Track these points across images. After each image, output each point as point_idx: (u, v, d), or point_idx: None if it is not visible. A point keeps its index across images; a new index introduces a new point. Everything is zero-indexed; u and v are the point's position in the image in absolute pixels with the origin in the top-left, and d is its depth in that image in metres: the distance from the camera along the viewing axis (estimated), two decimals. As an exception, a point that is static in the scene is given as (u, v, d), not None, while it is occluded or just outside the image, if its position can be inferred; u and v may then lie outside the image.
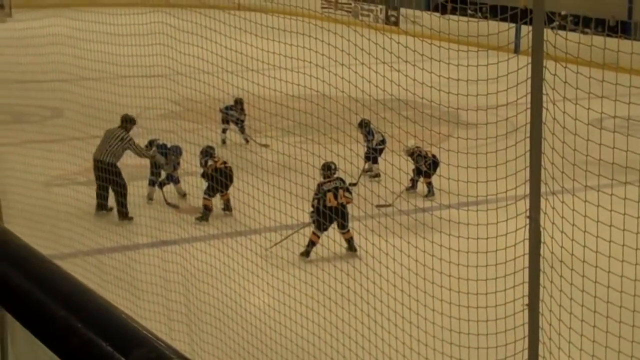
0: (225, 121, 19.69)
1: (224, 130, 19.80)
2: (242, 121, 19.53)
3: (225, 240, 12.09)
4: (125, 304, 11.21)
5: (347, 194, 12.65)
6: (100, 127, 15.19)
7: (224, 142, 19.36)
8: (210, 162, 14.67)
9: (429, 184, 14.69)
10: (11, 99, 19.95)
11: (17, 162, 15.90)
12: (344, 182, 13.09)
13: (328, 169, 12.99)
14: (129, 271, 12.22)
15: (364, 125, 15.94)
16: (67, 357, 1.68)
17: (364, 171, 16.37)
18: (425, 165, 14.11)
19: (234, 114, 19.49)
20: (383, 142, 16.07)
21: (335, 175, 13.10)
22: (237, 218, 11.57)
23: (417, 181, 14.90)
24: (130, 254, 12.75)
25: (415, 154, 14.40)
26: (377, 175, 16.15)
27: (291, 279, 10.58)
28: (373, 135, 16.24)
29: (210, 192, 14.53)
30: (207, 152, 14.80)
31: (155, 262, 12.39)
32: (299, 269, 10.57)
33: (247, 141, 19.24)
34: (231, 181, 14.03)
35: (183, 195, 15.60)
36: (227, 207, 14.61)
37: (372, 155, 16.03)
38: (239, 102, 19.04)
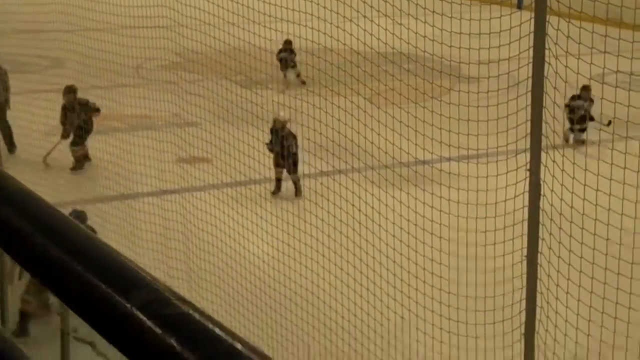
0: (284, 67, 19.76)
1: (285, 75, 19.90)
2: (294, 61, 19.55)
3: (225, 190, 12.11)
4: (125, 251, 11.15)
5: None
6: (102, 78, 15.15)
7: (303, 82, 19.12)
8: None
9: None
10: (12, 49, 19.86)
11: (18, 111, 15.88)
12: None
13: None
14: (130, 220, 12.27)
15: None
16: (68, 300, 1.70)
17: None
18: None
19: (285, 56, 19.55)
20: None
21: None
22: (236, 168, 11.57)
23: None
24: (130, 203, 12.80)
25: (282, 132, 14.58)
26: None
27: (291, 229, 10.62)
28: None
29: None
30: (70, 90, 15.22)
31: (155, 211, 12.43)
32: (299, 218, 10.60)
33: (303, 83, 18.77)
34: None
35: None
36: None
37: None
38: (288, 43, 19.06)
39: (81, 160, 15.43)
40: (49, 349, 8.02)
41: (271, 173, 11.50)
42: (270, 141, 13.92)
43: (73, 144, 15.50)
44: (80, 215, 10.82)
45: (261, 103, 12.67)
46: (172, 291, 1.53)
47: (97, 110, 15.55)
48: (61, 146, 15.44)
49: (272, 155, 13.87)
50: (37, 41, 19.25)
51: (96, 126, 15.73)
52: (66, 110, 15.56)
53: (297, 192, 13.96)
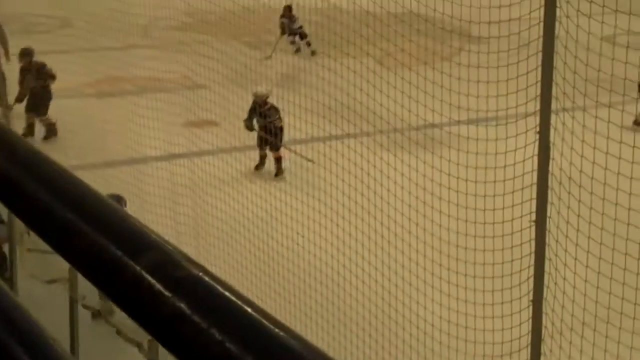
0: (283, 32, 19.51)
1: (291, 42, 19.59)
2: (301, 27, 19.13)
3: (233, 154, 12.10)
4: (134, 215, 11.24)
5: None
6: (111, 37, 15.09)
7: (297, 50, 19.20)
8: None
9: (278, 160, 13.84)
10: (20, 8, 19.78)
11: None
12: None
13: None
14: (137, 184, 12.26)
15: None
16: (76, 261, 1.67)
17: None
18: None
19: (284, 21, 19.28)
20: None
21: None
22: (245, 132, 11.55)
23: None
24: (139, 167, 12.78)
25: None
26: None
27: (298, 193, 10.60)
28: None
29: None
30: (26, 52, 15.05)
31: (163, 175, 12.42)
32: (307, 183, 10.58)
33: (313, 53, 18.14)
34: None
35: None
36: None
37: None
38: (287, 10, 18.84)
39: (52, 129, 15.30)
40: (58, 316, 8.02)
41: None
42: (250, 118, 13.39)
43: (27, 109, 15.33)
44: (120, 201, 10.82)
45: (268, 64, 12.61)
46: (183, 253, 1.51)
47: (53, 77, 15.32)
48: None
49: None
50: (45, 1, 19.18)
51: (108, 88, 15.68)
52: (24, 72, 15.39)
53: (279, 171, 13.34)
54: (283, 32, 19.43)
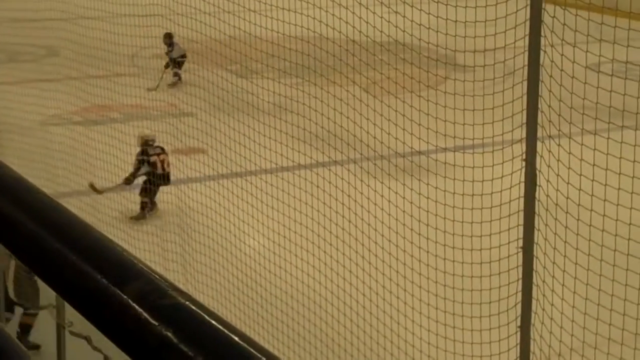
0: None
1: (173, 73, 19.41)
2: (176, 57, 19.10)
3: (220, 181, 12.09)
4: (121, 243, 11.22)
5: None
6: (97, 67, 15.10)
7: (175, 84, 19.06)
8: None
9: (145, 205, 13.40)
10: (6, 37, 19.80)
11: (12, 101, 15.82)
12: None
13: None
14: (125, 211, 12.24)
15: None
16: (62, 290, 1.67)
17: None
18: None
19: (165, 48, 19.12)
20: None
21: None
22: (233, 159, 11.54)
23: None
24: (126, 194, 12.76)
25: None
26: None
27: (286, 220, 10.60)
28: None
29: None
30: None
31: (151, 202, 12.40)
32: (294, 210, 10.57)
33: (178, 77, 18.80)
34: None
35: None
36: None
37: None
38: (167, 37, 18.53)
39: None
40: (45, 342, 7.99)
41: (267, 164, 11.40)
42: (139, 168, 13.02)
43: None
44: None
45: (256, 93, 12.64)
46: (169, 282, 1.51)
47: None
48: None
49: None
50: (31, 30, 19.18)
51: (95, 116, 15.69)
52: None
53: (139, 215, 13.02)
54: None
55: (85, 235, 1.66)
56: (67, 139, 15.18)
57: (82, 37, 14.65)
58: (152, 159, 13.34)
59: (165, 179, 13.32)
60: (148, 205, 13.07)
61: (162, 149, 13.51)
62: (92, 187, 13.15)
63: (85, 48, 14.81)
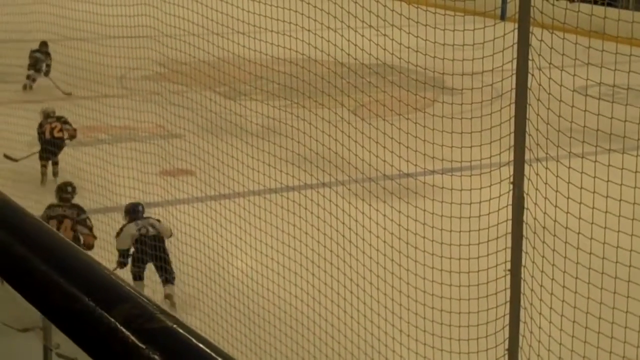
0: (32, 65, 19.53)
1: (28, 77, 19.68)
2: (49, 65, 19.26)
3: (209, 203, 12.07)
4: (107, 265, 11.20)
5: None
6: (85, 88, 15.10)
7: (26, 87, 19.45)
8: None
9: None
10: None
11: (0, 123, 15.81)
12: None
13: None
14: (112, 232, 12.19)
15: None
16: (49, 312, 1.67)
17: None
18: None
19: (40, 56, 19.29)
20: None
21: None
22: (221, 181, 11.53)
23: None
24: (113, 215, 12.73)
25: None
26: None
27: (274, 242, 10.58)
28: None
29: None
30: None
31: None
32: (283, 232, 10.56)
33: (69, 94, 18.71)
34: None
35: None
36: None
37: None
38: (44, 45, 18.80)
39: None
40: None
41: (255, 185, 11.41)
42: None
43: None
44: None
45: (244, 114, 12.65)
46: (156, 305, 1.50)
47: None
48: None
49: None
50: (18, 50, 19.19)
51: (82, 137, 15.68)
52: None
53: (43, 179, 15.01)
54: (31, 66, 19.59)
55: (72, 257, 1.66)
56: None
57: (70, 59, 14.65)
58: (43, 128, 14.75)
59: (54, 145, 14.61)
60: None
61: (60, 118, 14.68)
62: (6, 156, 14.47)
63: (73, 69, 14.81)
